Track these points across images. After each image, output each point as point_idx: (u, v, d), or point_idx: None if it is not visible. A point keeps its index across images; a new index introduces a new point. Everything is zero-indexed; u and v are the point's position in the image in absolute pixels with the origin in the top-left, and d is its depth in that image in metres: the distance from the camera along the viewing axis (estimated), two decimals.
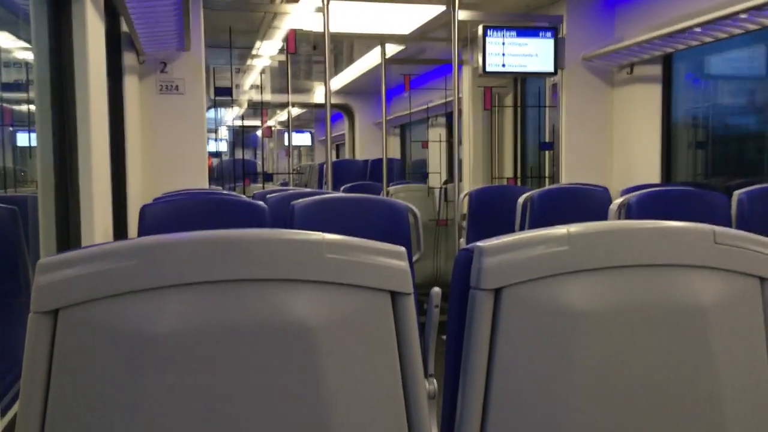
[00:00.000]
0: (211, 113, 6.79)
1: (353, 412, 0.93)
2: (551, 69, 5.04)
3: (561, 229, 0.98)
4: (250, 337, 0.89)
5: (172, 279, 0.87)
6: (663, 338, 1.00)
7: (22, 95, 2.91)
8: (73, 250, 0.88)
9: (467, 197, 4.71)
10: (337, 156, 12.81)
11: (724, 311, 1.01)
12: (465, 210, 4.83)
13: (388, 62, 6.40)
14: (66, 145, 2.46)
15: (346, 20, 5.50)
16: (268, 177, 5.79)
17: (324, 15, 4.67)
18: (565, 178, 5.14)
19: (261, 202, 2.83)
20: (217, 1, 4.84)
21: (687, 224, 1.03)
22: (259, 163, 8.21)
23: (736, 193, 3.05)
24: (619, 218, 3.04)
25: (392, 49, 6.70)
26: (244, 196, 3.26)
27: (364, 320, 0.94)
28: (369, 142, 10.63)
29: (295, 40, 5.00)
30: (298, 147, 14.67)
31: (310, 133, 14.43)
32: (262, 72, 7.20)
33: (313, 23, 5.03)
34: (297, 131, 13.40)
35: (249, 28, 5.92)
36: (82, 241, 2.47)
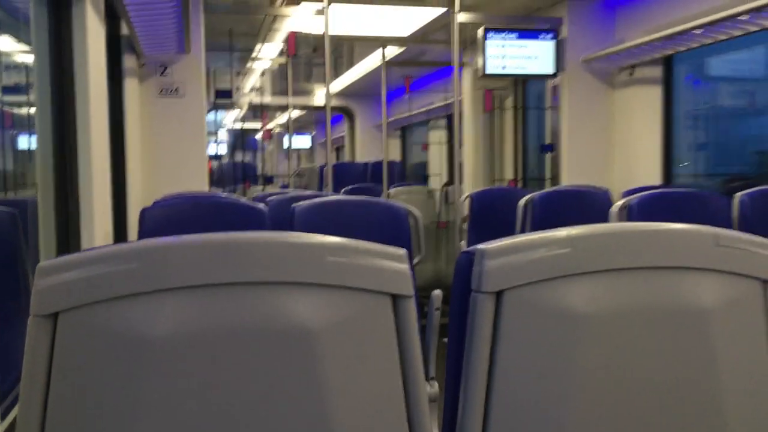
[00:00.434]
0: (211, 116, 6.79)
1: (354, 415, 0.92)
2: (552, 71, 5.04)
3: (562, 232, 0.98)
4: (251, 341, 0.88)
5: (172, 282, 0.86)
6: (665, 341, 0.99)
7: (23, 98, 2.91)
8: (73, 253, 0.88)
9: (468, 199, 4.71)
10: (338, 158, 12.82)
11: (726, 314, 1.01)
12: (466, 212, 4.83)
13: (388, 64, 6.41)
14: (66, 148, 2.46)
15: (346, 22, 5.50)
16: (268, 180, 5.79)
17: (324, 17, 4.68)
18: (566, 180, 5.14)
19: (261, 205, 2.82)
20: (217, 4, 4.85)
21: (688, 226, 1.02)
22: (259, 165, 8.20)
23: (738, 194, 3.05)
24: (620, 220, 3.03)
25: (392, 51, 6.71)
26: (244, 199, 3.26)
27: (364, 323, 0.93)
28: (369, 145, 10.63)
29: (295, 42, 5.01)
30: (298, 149, 14.68)
31: (311, 135, 14.43)
32: (263, 74, 7.21)
33: (313, 26, 5.04)
34: (297, 134, 13.40)
35: (249, 30, 5.92)
36: (82, 244, 2.47)
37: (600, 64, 5.06)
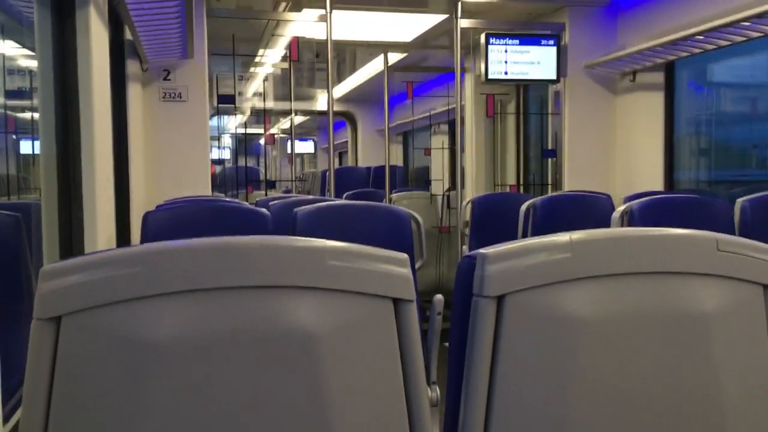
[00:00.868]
0: (214, 121, 6.80)
1: (356, 419, 0.93)
2: (554, 76, 5.04)
3: (563, 237, 0.98)
4: (253, 344, 0.89)
5: (175, 286, 0.87)
6: (666, 346, 0.99)
7: (26, 103, 2.92)
8: (76, 257, 0.88)
9: (470, 204, 4.71)
10: (340, 163, 12.83)
11: (728, 318, 1.01)
12: (468, 217, 4.82)
13: (390, 70, 6.42)
14: (69, 152, 2.47)
15: (348, 28, 5.52)
16: (270, 184, 5.79)
17: (327, 23, 4.69)
18: (568, 186, 5.14)
19: (263, 210, 2.83)
20: (220, 9, 4.86)
21: (690, 232, 1.03)
22: (262, 170, 8.20)
23: (739, 200, 3.04)
24: (621, 225, 3.03)
25: (395, 56, 6.72)
26: (246, 204, 3.27)
27: (366, 327, 0.93)
28: (372, 150, 10.64)
29: (298, 47, 5.02)
30: (301, 154, 14.68)
31: (313, 140, 14.44)
32: (265, 80, 7.21)
33: (316, 31, 5.05)
34: (300, 139, 13.41)
35: (252, 36, 5.94)
36: (85, 248, 2.48)
37: (602, 69, 5.07)
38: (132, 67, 4.13)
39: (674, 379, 1.00)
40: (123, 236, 3.70)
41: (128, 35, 3.82)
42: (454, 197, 5.47)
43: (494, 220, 4.50)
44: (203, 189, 4.56)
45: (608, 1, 5.06)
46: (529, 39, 5.00)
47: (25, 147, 3.05)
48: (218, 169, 8.17)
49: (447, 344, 1.05)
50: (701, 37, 3.93)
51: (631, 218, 3.01)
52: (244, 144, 6.48)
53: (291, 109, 6.09)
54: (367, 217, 2.75)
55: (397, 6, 5.06)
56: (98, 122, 2.54)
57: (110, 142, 2.85)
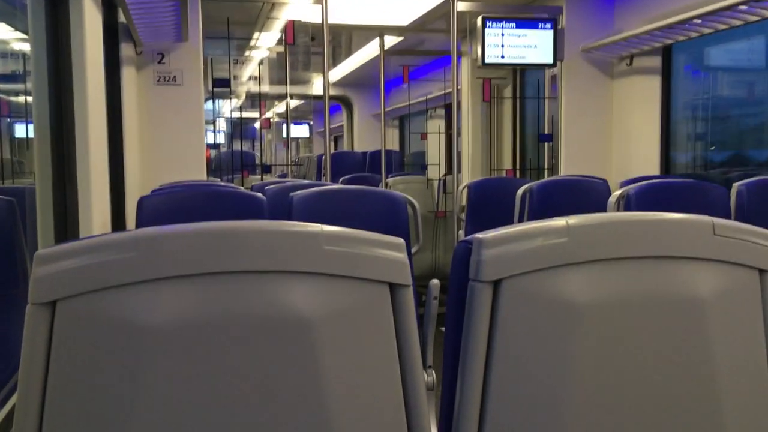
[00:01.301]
0: (209, 105, 6.77)
1: (352, 404, 0.93)
2: (550, 60, 5.02)
3: (560, 221, 0.98)
4: (248, 329, 0.89)
5: (170, 270, 0.86)
6: (662, 330, 1.00)
7: (20, 86, 2.90)
8: (71, 241, 0.88)
9: (466, 189, 4.71)
10: (336, 147, 12.79)
11: (723, 303, 1.01)
12: (464, 202, 4.83)
13: (386, 53, 6.39)
14: (64, 137, 2.46)
15: (344, 11, 5.48)
16: (266, 169, 5.78)
17: (322, 6, 4.66)
18: (564, 170, 5.14)
19: (259, 194, 2.82)
20: None
21: (686, 216, 1.03)
22: (258, 154, 8.18)
23: (736, 185, 3.05)
24: (618, 210, 3.04)
25: (391, 40, 6.68)
26: (242, 188, 3.26)
27: (362, 312, 0.93)
28: (368, 134, 10.61)
29: (293, 31, 4.98)
30: (297, 139, 14.64)
31: (309, 124, 14.39)
32: (261, 63, 7.17)
33: (311, 14, 5.01)
34: (295, 123, 13.36)
35: (247, 19, 5.89)
36: (80, 232, 2.47)
37: (599, 53, 5.05)
38: (126, 50, 4.10)
39: (670, 363, 1.00)
40: (118, 221, 3.69)
41: (122, 18, 3.79)
42: (450, 182, 5.47)
43: (490, 204, 4.50)
44: (198, 173, 4.55)
45: None
46: (526, 23, 4.97)
47: (19, 131, 3.03)
48: (213, 153, 8.15)
49: (443, 329, 1.05)
50: (699, 21, 3.92)
51: (627, 203, 3.01)
52: (239, 128, 6.46)
53: (286, 93, 6.06)
54: (363, 202, 2.75)
55: None
56: (92, 106, 2.52)
57: (105, 126, 2.84)
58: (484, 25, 4.88)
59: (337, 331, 0.91)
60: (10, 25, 2.78)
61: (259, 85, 5.99)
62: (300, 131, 14.13)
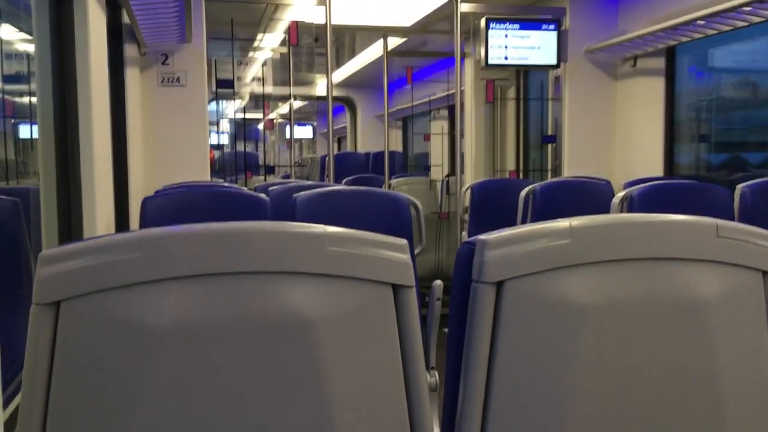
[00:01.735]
0: (213, 106, 6.78)
1: (355, 405, 0.93)
2: (554, 62, 5.02)
3: (563, 223, 0.98)
4: (252, 330, 0.89)
5: (174, 271, 0.87)
6: (665, 332, 1.00)
7: (24, 87, 2.91)
8: (75, 242, 0.88)
9: (469, 190, 4.71)
10: (339, 149, 12.80)
11: (727, 305, 1.01)
12: (467, 203, 4.83)
13: (390, 55, 6.39)
14: (68, 137, 2.46)
15: (348, 12, 5.49)
16: (269, 170, 5.78)
17: (326, 7, 4.66)
18: (568, 172, 5.13)
19: (263, 195, 2.82)
20: None
21: (689, 218, 1.02)
22: (261, 155, 8.19)
23: (739, 186, 3.04)
24: (621, 212, 3.03)
25: (394, 41, 6.68)
26: (245, 189, 3.26)
27: (365, 313, 0.93)
28: (371, 135, 10.61)
29: (297, 32, 4.99)
30: (300, 140, 14.65)
31: (312, 125, 14.40)
32: (264, 64, 7.19)
33: (315, 15, 5.02)
34: (299, 124, 13.38)
35: (251, 20, 5.90)
36: (84, 233, 2.47)
37: (602, 54, 5.04)
38: (130, 51, 4.11)
39: (673, 365, 1.00)
40: (122, 221, 3.70)
41: (126, 19, 3.80)
42: (453, 183, 5.46)
43: (494, 205, 4.50)
44: (202, 174, 4.56)
45: None
46: (529, 24, 4.97)
47: (24, 132, 3.04)
48: (217, 154, 8.16)
49: (446, 330, 1.05)
50: (702, 22, 3.91)
51: (630, 204, 3.01)
52: (242, 129, 6.46)
53: (290, 94, 6.06)
54: (367, 203, 2.75)
55: None
56: (96, 107, 2.53)
57: (108, 127, 2.84)
58: (487, 27, 4.88)
59: (340, 332, 0.91)
60: (15, 26, 2.79)
61: (263, 86, 6.00)
62: (303, 132, 14.14)
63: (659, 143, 4.77)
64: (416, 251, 2.85)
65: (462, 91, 5.35)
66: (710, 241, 1.01)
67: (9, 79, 2.88)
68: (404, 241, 0.96)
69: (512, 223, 3.82)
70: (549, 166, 5.79)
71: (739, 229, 1.03)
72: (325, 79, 4.87)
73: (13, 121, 2.93)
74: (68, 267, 0.84)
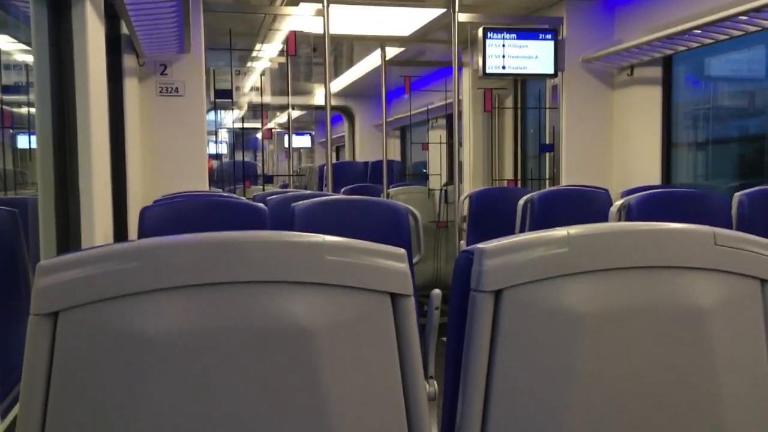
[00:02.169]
0: (211, 115, 6.80)
1: (353, 415, 0.93)
2: (551, 71, 5.04)
3: (561, 231, 0.98)
4: (250, 340, 0.89)
5: (172, 281, 0.87)
6: (663, 340, 1.00)
7: (22, 98, 2.91)
8: (73, 252, 0.88)
9: (467, 199, 4.71)
10: (338, 158, 12.81)
11: (725, 313, 1.01)
12: (465, 212, 4.83)
13: (388, 64, 6.41)
14: (66, 148, 2.46)
15: (346, 22, 5.51)
16: (268, 179, 5.79)
17: (324, 17, 4.68)
18: (566, 180, 5.14)
19: (261, 204, 2.83)
20: (217, 3, 4.85)
21: (687, 226, 1.03)
22: (259, 165, 8.20)
23: (737, 194, 3.05)
24: (619, 220, 3.04)
25: (392, 51, 6.70)
26: (244, 198, 3.26)
27: (364, 322, 0.93)
28: (369, 144, 10.63)
29: (295, 42, 5.01)
30: (298, 149, 14.67)
31: (310, 135, 14.42)
32: (262, 74, 7.20)
33: (313, 25, 5.03)
34: (297, 133, 13.40)
35: (249, 30, 5.92)
36: (82, 243, 2.47)
37: (599, 64, 5.06)
38: (128, 61, 4.12)
39: (672, 373, 1.00)
40: (120, 231, 3.69)
41: (125, 29, 3.81)
42: (451, 192, 5.47)
43: (492, 214, 4.50)
44: (200, 184, 4.56)
45: None
46: (526, 33, 5.00)
47: (22, 142, 3.04)
48: (215, 163, 8.17)
49: (445, 339, 1.05)
50: (699, 32, 3.93)
51: (628, 213, 3.01)
52: (241, 139, 6.47)
53: (288, 104, 6.07)
54: (365, 212, 2.75)
55: (395, 0, 5.05)
56: (95, 117, 2.53)
57: (107, 137, 2.85)
58: (485, 36, 4.90)
59: (338, 342, 0.91)
60: (13, 36, 2.80)
61: (261, 95, 6.00)
62: (302, 141, 14.16)
63: (656, 152, 4.79)
64: (415, 260, 2.85)
65: (460, 101, 5.36)
66: (708, 249, 1.01)
67: (8, 89, 2.89)
68: (402, 251, 0.96)
69: (510, 231, 3.82)
70: (547, 175, 5.80)
71: (737, 237, 1.03)
72: (324, 89, 4.88)
73: (11, 131, 2.93)
74: (66, 277, 0.84)
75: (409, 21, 5.66)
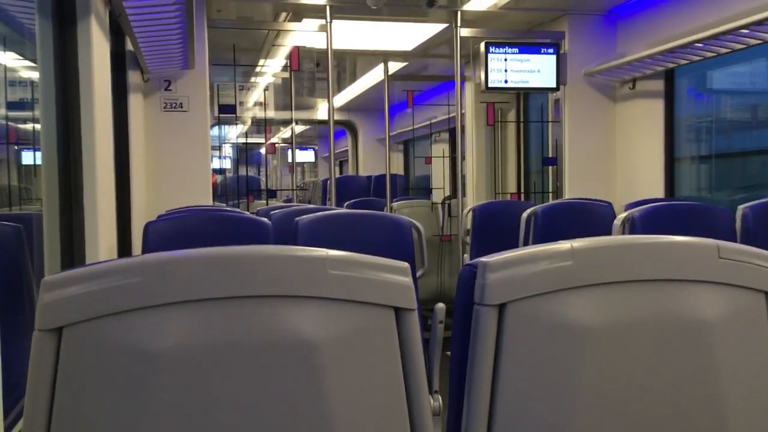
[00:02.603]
0: (215, 130, 6.82)
1: (357, 429, 0.92)
2: (553, 84, 5.06)
3: (565, 245, 0.98)
4: (254, 354, 0.89)
5: (176, 296, 0.87)
6: (668, 353, 0.99)
7: (28, 114, 2.93)
8: (78, 267, 0.89)
9: (471, 212, 4.71)
10: (341, 172, 12.84)
11: (729, 326, 1.01)
12: (469, 225, 4.83)
13: (391, 79, 6.44)
14: (71, 163, 2.48)
15: (349, 37, 5.54)
16: (271, 193, 5.80)
17: (327, 32, 4.71)
18: (569, 193, 5.14)
19: (264, 219, 2.83)
20: (221, 19, 4.88)
21: (691, 239, 1.03)
22: (263, 179, 8.22)
23: (741, 207, 3.04)
24: (623, 233, 3.03)
25: (395, 65, 6.73)
26: (247, 213, 3.27)
27: (367, 336, 0.93)
28: (372, 158, 10.65)
29: (298, 57, 5.03)
30: (302, 164, 14.70)
31: (314, 149, 14.46)
32: (266, 89, 7.23)
33: (316, 41, 5.07)
34: (300, 148, 13.44)
35: (253, 45, 5.96)
36: (87, 258, 2.48)
37: (601, 77, 5.08)
38: (133, 77, 4.15)
39: (676, 386, 1.00)
40: (124, 246, 3.70)
41: (129, 46, 3.84)
42: (455, 205, 5.47)
43: (495, 228, 4.50)
44: (204, 198, 4.57)
45: (607, 9, 5.08)
46: (528, 47, 5.02)
47: (27, 158, 3.05)
48: (219, 178, 8.19)
49: (449, 353, 1.05)
50: (701, 45, 3.95)
51: (632, 226, 3.00)
52: (244, 153, 6.49)
53: (291, 119, 6.10)
54: (368, 226, 2.75)
55: (397, 15, 5.08)
56: (99, 133, 2.55)
57: (111, 153, 2.86)
58: (487, 51, 4.92)
59: (342, 356, 0.91)
60: (19, 53, 2.82)
61: (265, 110, 6.04)
62: (305, 156, 14.20)
63: (660, 165, 4.79)
64: (418, 274, 2.85)
65: (462, 114, 5.38)
66: (712, 262, 1.01)
67: (13, 105, 2.90)
68: (406, 264, 0.96)
69: (514, 245, 3.82)
70: (550, 188, 5.80)
71: (741, 250, 1.03)
72: (327, 104, 4.90)
73: (16, 147, 2.95)
74: (70, 293, 0.85)
75: (412, 36, 5.69)
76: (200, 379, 0.87)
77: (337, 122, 9.26)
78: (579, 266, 0.97)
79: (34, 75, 2.55)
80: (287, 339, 0.89)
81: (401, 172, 10.38)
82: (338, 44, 4.93)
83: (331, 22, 4.70)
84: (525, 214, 3.99)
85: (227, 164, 9.84)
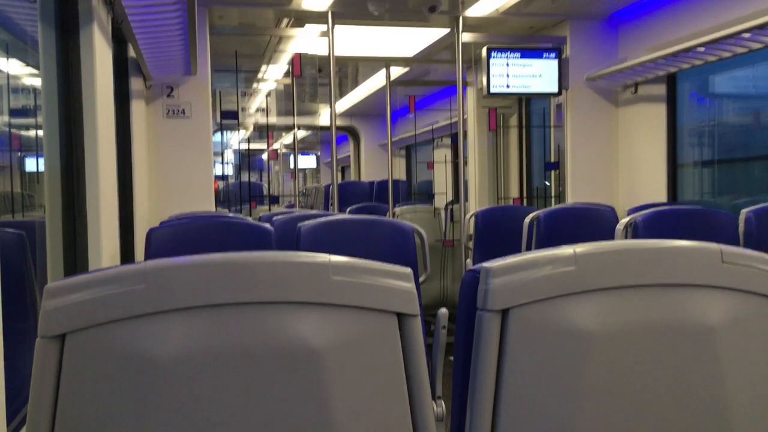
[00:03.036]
0: (218, 136, 6.84)
1: None
2: (555, 89, 5.06)
3: (567, 249, 0.98)
4: (257, 360, 0.88)
5: (179, 302, 0.87)
6: (671, 358, 0.99)
7: (30, 121, 2.94)
8: (81, 274, 0.89)
9: (473, 218, 4.71)
10: (343, 178, 12.85)
11: (733, 330, 1.01)
12: (471, 230, 4.82)
13: (393, 84, 6.45)
14: (74, 170, 2.48)
15: (351, 43, 5.55)
16: (274, 199, 5.80)
17: (329, 38, 4.72)
18: (571, 198, 5.14)
19: (267, 225, 2.83)
20: (223, 26, 4.90)
21: (694, 243, 1.02)
22: (265, 185, 8.23)
23: (744, 211, 3.04)
24: (625, 238, 3.03)
25: (397, 71, 6.75)
26: (250, 219, 3.27)
27: (370, 342, 0.93)
28: (374, 164, 10.66)
29: (300, 63, 5.04)
30: (304, 169, 14.73)
31: (316, 155, 14.49)
32: (268, 95, 7.25)
33: (318, 47, 5.08)
34: (303, 154, 13.47)
35: (255, 52, 5.97)
36: (90, 265, 2.48)
37: (603, 82, 5.08)
38: (135, 84, 4.16)
39: (680, 391, 0.99)
40: (127, 253, 3.70)
41: (132, 52, 3.85)
42: (457, 211, 5.47)
43: (498, 233, 4.49)
44: (207, 205, 4.57)
45: (609, 13, 5.08)
46: (530, 52, 5.02)
47: (30, 165, 3.06)
48: (222, 184, 8.20)
49: (452, 358, 1.05)
50: (702, 49, 3.94)
51: (635, 230, 3.00)
52: (247, 159, 6.50)
53: (294, 124, 6.11)
54: (371, 232, 2.75)
55: (399, 21, 5.09)
56: (102, 139, 2.55)
57: (114, 159, 2.86)
58: (489, 56, 4.92)
59: (345, 362, 0.91)
60: (22, 60, 2.83)
61: (267, 116, 6.05)
62: (307, 162, 14.23)
63: (662, 169, 4.78)
64: (421, 279, 2.84)
65: (465, 120, 5.38)
66: (715, 267, 1.01)
67: (16, 112, 2.91)
68: (409, 270, 0.96)
69: (517, 250, 3.82)
70: (552, 193, 5.80)
71: (744, 254, 1.03)
72: (329, 109, 4.91)
73: (19, 154, 2.96)
74: (73, 300, 0.85)
75: (414, 41, 5.70)
76: (203, 386, 0.86)
77: (339, 128, 9.28)
78: (582, 271, 0.97)
79: (37, 82, 2.55)
80: (290, 345, 0.89)
81: (403, 177, 10.39)
82: (340, 50, 4.94)
83: (333, 27, 4.71)
84: (528, 219, 3.99)
85: (229, 170, 9.85)
